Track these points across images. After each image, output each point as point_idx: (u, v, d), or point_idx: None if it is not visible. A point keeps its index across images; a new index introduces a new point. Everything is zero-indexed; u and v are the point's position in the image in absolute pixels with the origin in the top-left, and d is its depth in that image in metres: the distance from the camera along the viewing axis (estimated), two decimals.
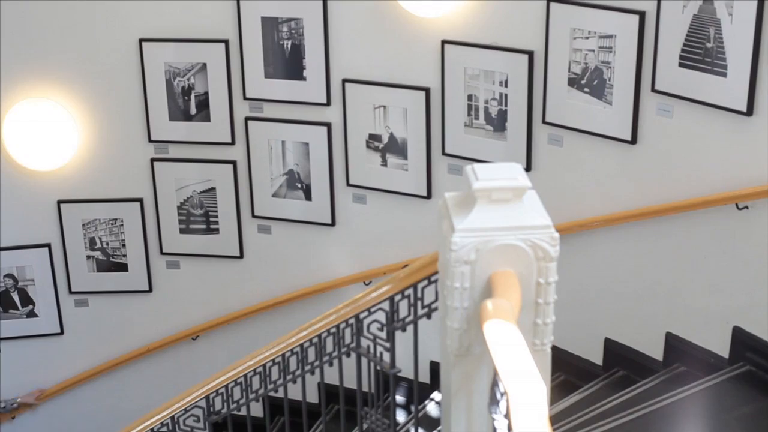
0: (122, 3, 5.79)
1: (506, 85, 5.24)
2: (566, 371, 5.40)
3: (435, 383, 5.49)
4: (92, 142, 6.10)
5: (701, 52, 4.46)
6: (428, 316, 3.41)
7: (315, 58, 5.66)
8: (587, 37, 4.89)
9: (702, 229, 4.72)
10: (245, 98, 5.90)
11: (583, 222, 5.14)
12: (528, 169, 5.29)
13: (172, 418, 4.57)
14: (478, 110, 5.38)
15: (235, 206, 6.18)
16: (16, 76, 5.93)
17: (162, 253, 6.37)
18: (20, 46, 5.88)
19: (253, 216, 6.19)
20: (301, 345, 3.98)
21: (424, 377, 5.43)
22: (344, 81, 5.66)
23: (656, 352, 5.08)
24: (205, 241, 6.30)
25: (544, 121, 5.19)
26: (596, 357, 5.39)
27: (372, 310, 3.60)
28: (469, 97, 5.39)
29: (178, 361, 6.63)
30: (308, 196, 6.00)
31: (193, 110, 5.98)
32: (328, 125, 5.82)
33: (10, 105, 5.95)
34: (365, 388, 3.88)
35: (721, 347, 4.76)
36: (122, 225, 6.30)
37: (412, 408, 5.21)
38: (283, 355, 4.07)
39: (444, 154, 5.57)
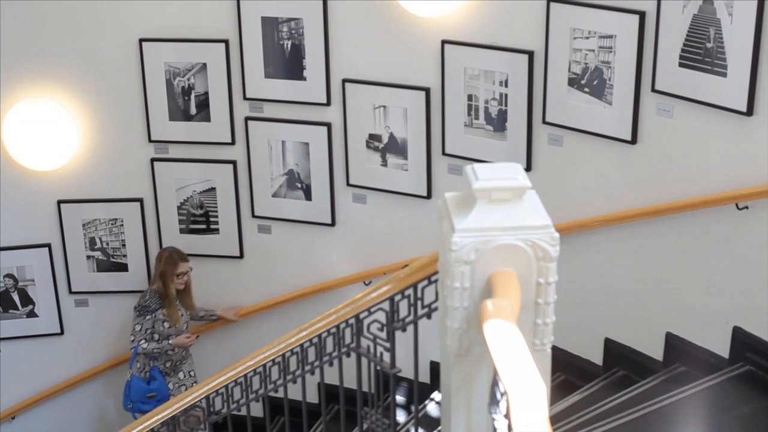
0: (122, 3, 5.79)
1: (506, 85, 5.24)
2: (566, 371, 5.40)
3: (435, 383, 5.48)
4: (92, 142, 6.10)
5: (701, 52, 4.46)
6: (428, 316, 3.40)
7: (315, 58, 5.66)
8: (587, 37, 4.89)
9: (702, 229, 4.72)
10: (245, 98, 5.90)
11: (583, 222, 5.14)
12: (528, 169, 5.29)
13: (173, 417, 4.57)
14: (478, 110, 5.38)
15: (235, 206, 6.18)
16: (16, 76, 5.92)
17: None
18: (20, 46, 5.88)
19: (253, 216, 6.19)
20: (301, 345, 3.97)
21: (424, 377, 5.43)
22: (344, 81, 5.66)
23: (656, 352, 5.08)
24: (205, 241, 6.30)
25: (544, 121, 5.19)
26: (596, 357, 5.39)
27: (372, 310, 3.60)
28: (469, 97, 5.39)
29: None
30: (308, 196, 6.00)
31: (193, 110, 5.98)
32: (328, 125, 5.81)
33: (10, 105, 5.95)
34: (365, 388, 3.87)
35: (721, 347, 4.76)
36: (122, 225, 6.30)
37: (412, 408, 5.21)
38: (283, 355, 4.06)
39: (444, 154, 5.57)
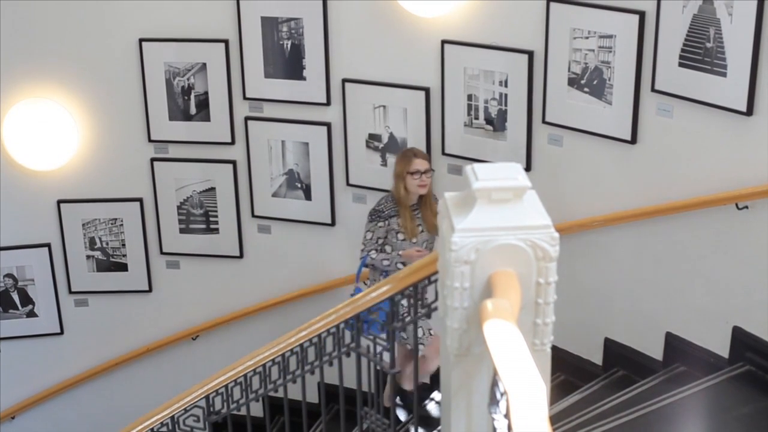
0: (122, 3, 5.79)
1: (506, 85, 5.24)
2: (566, 371, 5.40)
3: (435, 383, 5.48)
4: (92, 142, 6.10)
5: (701, 52, 4.46)
6: (428, 316, 3.41)
7: (315, 58, 5.66)
8: (587, 37, 4.89)
9: (702, 229, 4.72)
10: (245, 98, 5.89)
11: (583, 222, 5.13)
12: (528, 169, 5.29)
13: (172, 418, 4.57)
14: (478, 110, 5.38)
15: (235, 206, 6.18)
16: (16, 76, 5.92)
17: (162, 252, 6.37)
18: (20, 46, 5.88)
19: (253, 216, 6.19)
20: (301, 345, 3.97)
21: (424, 377, 5.42)
22: (344, 81, 5.66)
23: (656, 352, 5.08)
24: (205, 241, 6.30)
25: (544, 121, 5.19)
26: (596, 357, 5.39)
27: (372, 309, 3.60)
28: (469, 97, 5.39)
29: (178, 360, 6.63)
30: (308, 196, 6.00)
31: (193, 110, 5.98)
32: (328, 125, 5.82)
33: (10, 105, 5.95)
34: (365, 388, 3.88)
35: (721, 347, 4.76)
36: (122, 225, 6.30)
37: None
38: (283, 355, 4.07)
39: (444, 154, 5.57)
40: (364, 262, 5.23)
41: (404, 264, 5.04)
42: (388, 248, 5.20)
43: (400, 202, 5.16)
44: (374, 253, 5.17)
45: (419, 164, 5.11)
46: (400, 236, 5.16)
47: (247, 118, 5.94)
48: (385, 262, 5.16)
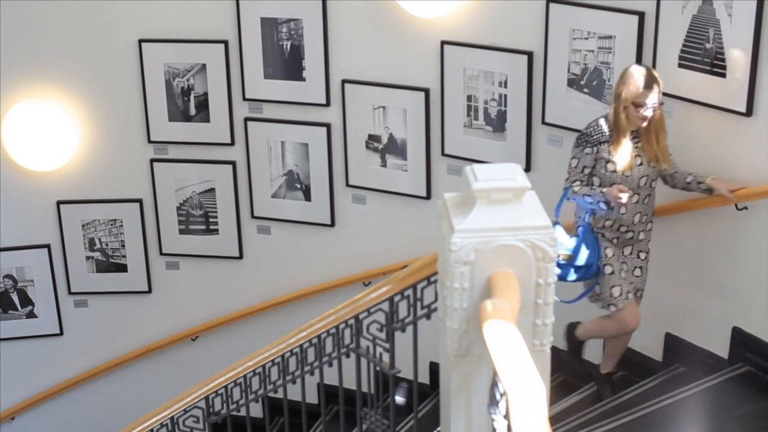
0: (122, 3, 5.79)
1: (506, 86, 5.24)
2: (566, 372, 5.39)
3: (435, 384, 5.48)
4: (92, 142, 6.10)
5: (701, 52, 4.46)
6: (428, 316, 3.41)
7: (314, 59, 5.66)
8: (586, 38, 4.89)
9: (702, 229, 4.72)
10: (245, 99, 5.90)
11: None
12: (527, 169, 5.29)
13: (172, 418, 4.57)
14: (478, 111, 5.38)
15: (234, 207, 6.18)
16: (16, 76, 5.93)
17: (161, 253, 6.37)
18: (20, 47, 5.88)
19: (253, 216, 6.19)
20: (301, 345, 3.98)
21: (424, 378, 5.42)
22: (344, 81, 5.66)
23: (656, 352, 5.08)
24: (204, 242, 6.30)
25: (543, 122, 5.19)
26: (596, 357, 5.39)
27: (371, 310, 3.60)
28: (469, 98, 5.39)
29: (177, 361, 6.64)
30: (308, 197, 6.00)
31: (192, 111, 5.98)
32: (328, 126, 5.81)
33: (10, 105, 5.96)
34: (365, 389, 3.88)
35: (721, 348, 4.76)
36: (122, 226, 6.30)
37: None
38: (282, 356, 4.07)
39: (443, 154, 5.57)
40: (565, 194, 4.40)
41: (607, 205, 4.24)
42: (596, 180, 4.35)
43: (617, 127, 4.27)
44: (578, 185, 4.33)
45: (646, 97, 4.22)
46: (610, 167, 4.28)
47: (246, 119, 5.94)
48: (588, 199, 4.30)
